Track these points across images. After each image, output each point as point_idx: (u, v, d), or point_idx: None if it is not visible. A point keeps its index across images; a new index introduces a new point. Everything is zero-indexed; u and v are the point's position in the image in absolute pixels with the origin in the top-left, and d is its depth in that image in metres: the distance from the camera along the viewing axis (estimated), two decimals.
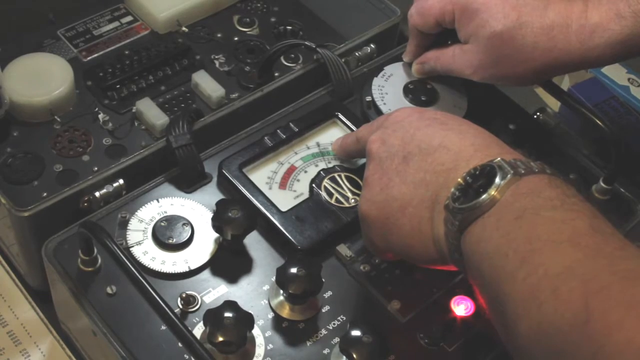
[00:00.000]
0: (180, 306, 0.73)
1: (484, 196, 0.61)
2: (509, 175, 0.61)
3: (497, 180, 0.61)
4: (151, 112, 0.90)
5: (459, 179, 0.64)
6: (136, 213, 0.79)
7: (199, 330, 0.72)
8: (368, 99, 0.90)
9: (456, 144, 0.68)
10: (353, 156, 0.84)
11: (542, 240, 0.58)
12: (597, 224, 0.58)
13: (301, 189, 0.83)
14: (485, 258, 0.60)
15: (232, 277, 0.76)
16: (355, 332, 0.69)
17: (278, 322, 0.74)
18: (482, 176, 0.63)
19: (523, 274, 0.57)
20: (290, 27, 1.05)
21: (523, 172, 0.62)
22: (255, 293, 0.76)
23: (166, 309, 0.66)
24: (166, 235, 0.77)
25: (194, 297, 0.74)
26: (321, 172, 0.84)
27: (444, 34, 0.88)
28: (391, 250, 0.72)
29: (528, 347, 0.57)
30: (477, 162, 0.65)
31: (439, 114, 0.74)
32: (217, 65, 0.99)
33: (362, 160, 0.85)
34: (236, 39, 1.03)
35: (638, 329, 0.50)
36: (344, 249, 0.79)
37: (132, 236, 0.77)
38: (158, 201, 0.80)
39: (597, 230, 0.58)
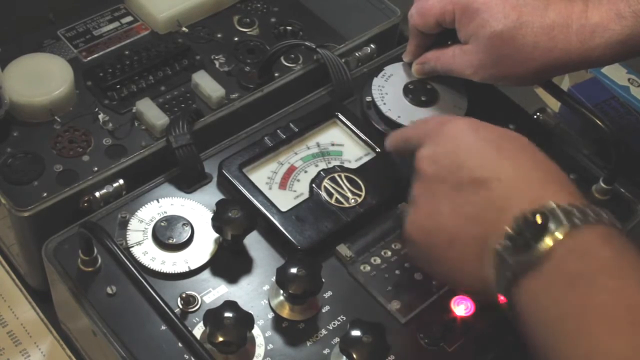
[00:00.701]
0: (180, 306, 0.73)
1: (535, 251, 0.59)
2: (563, 228, 0.59)
3: (550, 233, 0.59)
4: (151, 112, 0.90)
5: (509, 228, 0.61)
6: (136, 213, 0.79)
7: (199, 331, 0.72)
8: (368, 99, 0.90)
9: (510, 177, 0.65)
10: (400, 154, 0.80)
11: (598, 314, 0.56)
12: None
13: (301, 189, 0.83)
14: (537, 320, 0.59)
15: (232, 277, 0.76)
16: (355, 332, 0.69)
17: (278, 322, 0.74)
18: (534, 225, 0.60)
19: (578, 346, 0.56)
20: (290, 28, 1.05)
21: (578, 222, 0.59)
22: (255, 293, 0.76)
23: (166, 309, 0.66)
24: (166, 235, 0.77)
25: (194, 297, 0.74)
26: (321, 172, 0.84)
27: (444, 34, 0.88)
28: (435, 276, 0.72)
29: None
30: (530, 205, 0.61)
31: (495, 133, 0.69)
32: (217, 65, 0.99)
33: (362, 160, 0.85)
34: (236, 39, 1.03)
35: None
36: (344, 249, 0.79)
37: (132, 236, 0.77)
38: (158, 201, 0.80)
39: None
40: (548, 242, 0.59)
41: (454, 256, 0.67)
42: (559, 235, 0.59)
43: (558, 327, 0.57)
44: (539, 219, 0.60)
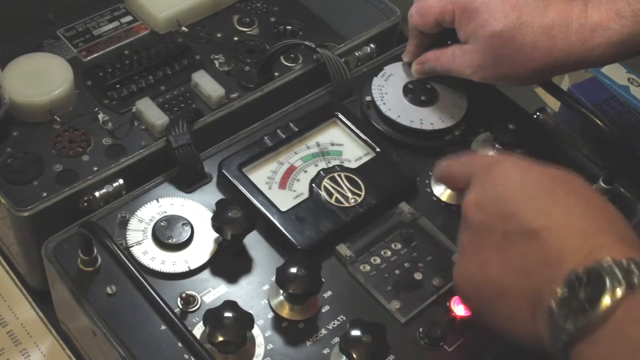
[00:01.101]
0: (180, 306, 0.73)
1: (592, 315, 0.56)
2: (619, 290, 0.56)
3: (607, 294, 0.56)
4: (151, 112, 0.90)
5: (562, 288, 0.58)
6: (136, 213, 0.79)
7: (198, 330, 0.72)
8: (368, 98, 0.90)
9: (562, 226, 0.62)
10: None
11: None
12: None
13: (301, 188, 0.83)
14: None
15: (232, 277, 0.76)
16: (355, 332, 0.69)
17: (278, 322, 0.74)
18: (589, 285, 0.57)
19: None
20: (289, 27, 1.05)
21: (637, 282, 0.56)
22: (255, 293, 0.76)
23: (166, 308, 0.66)
24: (166, 235, 0.77)
25: (193, 297, 0.74)
26: (321, 172, 0.84)
27: (443, 34, 0.88)
28: (486, 327, 0.68)
29: None
30: (584, 259, 0.59)
31: (544, 175, 0.66)
32: (216, 65, 0.99)
33: (362, 160, 0.85)
34: (236, 38, 1.03)
35: None
36: (343, 249, 0.79)
37: (132, 236, 0.77)
38: (158, 201, 0.80)
39: None
40: (606, 303, 0.56)
41: (505, 311, 0.64)
42: (617, 296, 0.56)
43: None
44: (594, 280, 0.57)
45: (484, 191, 0.67)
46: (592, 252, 0.59)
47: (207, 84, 0.94)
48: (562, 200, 0.63)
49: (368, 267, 0.78)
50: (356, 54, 0.97)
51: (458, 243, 0.70)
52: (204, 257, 0.77)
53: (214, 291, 0.75)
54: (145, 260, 0.76)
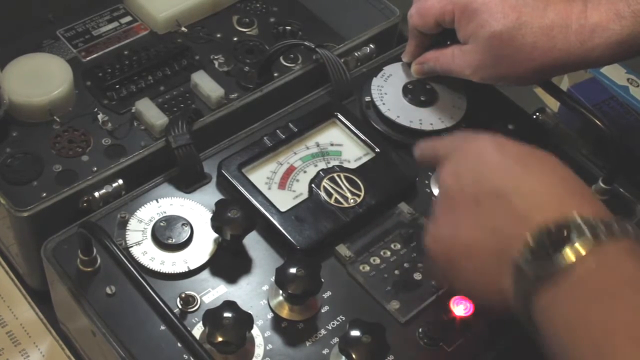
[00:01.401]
0: (180, 306, 0.73)
1: (556, 263, 0.57)
2: (587, 241, 0.57)
3: (573, 245, 0.57)
4: (150, 112, 0.90)
5: (530, 239, 0.60)
6: (135, 213, 0.79)
7: (198, 331, 0.72)
8: (367, 99, 0.90)
9: (532, 190, 0.63)
10: (425, 165, 0.80)
11: (620, 335, 0.54)
12: None
13: (300, 189, 0.83)
14: (555, 333, 0.58)
15: (231, 277, 0.76)
16: (355, 332, 0.69)
17: (277, 322, 0.74)
18: (556, 237, 0.58)
19: None
20: (289, 27, 1.05)
21: (603, 237, 0.57)
22: (255, 293, 0.76)
23: (165, 309, 0.66)
24: (165, 235, 0.77)
25: (193, 297, 0.74)
26: (320, 172, 0.84)
27: (443, 35, 0.88)
28: (455, 286, 0.71)
29: None
30: (553, 215, 0.60)
31: (520, 150, 0.68)
32: (216, 65, 0.99)
33: (362, 160, 0.85)
34: (235, 39, 1.03)
35: None
36: (343, 249, 0.79)
37: (132, 236, 0.77)
38: (157, 201, 0.80)
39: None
40: (570, 255, 0.57)
41: (472, 268, 0.66)
42: (582, 249, 0.57)
43: (579, 341, 0.56)
44: (561, 231, 0.58)
45: (461, 160, 0.69)
46: (560, 211, 0.60)
47: (206, 84, 0.94)
48: (535, 170, 0.65)
49: (367, 268, 0.78)
50: (356, 54, 0.97)
51: (432, 209, 0.71)
52: (204, 258, 0.77)
53: (213, 291, 0.75)
54: (144, 260, 0.76)
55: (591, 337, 0.55)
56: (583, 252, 0.57)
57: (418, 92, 0.90)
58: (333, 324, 0.75)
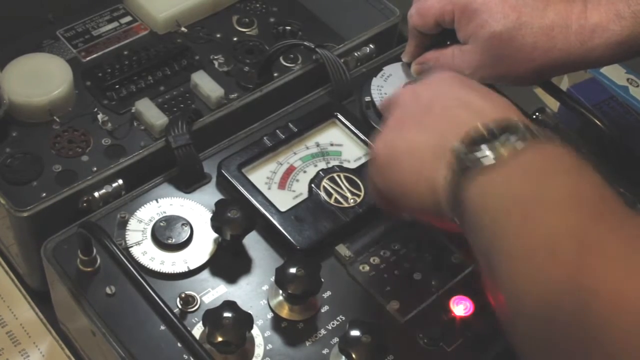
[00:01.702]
0: (180, 306, 0.73)
1: (496, 150, 0.61)
2: (526, 135, 0.61)
3: (513, 138, 0.61)
4: (150, 112, 0.90)
5: (475, 127, 0.63)
6: (135, 213, 0.79)
7: (198, 331, 0.72)
8: (367, 99, 0.90)
9: (479, 104, 0.67)
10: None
11: (548, 202, 0.58)
12: (607, 194, 0.58)
13: (300, 189, 0.83)
14: (486, 211, 0.60)
15: (231, 277, 0.77)
16: (355, 332, 0.69)
17: (277, 322, 0.74)
18: (499, 132, 0.62)
19: (523, 232, 0.57)
20: (289, 28, 1.05)
21: (541, 138, 0.61)
22: (255, 293, 0.76)
23: (165, 309, 0.66)
24: (165, 235, 0.77)
25: (193, 297, 0.74)
26: (320, 172, 0.84)
27: (443, 35, 0.88)
28: (389, 192, 0.71)
29: (517, 302, 0.57)
30: (493, 118, 0.64)
31: (477, 83, 0.73)
32: (216, 65, 0.99)
33: (361, 160, 0.85)
34: (235, 39, 1.03)
35: (628, 282, 0.51)
36: (343, 249, 0.79)
37: (131, 236, 0.77)
38: (157, 201, 0.80)
39: (604, 199, 0.58)
40: (510, 145, 0.60)
41: (410, 163, 0.68)
42: (521, 141, 0.60)
43: (505, 214, 0.59)
44: (501, 127, 0.62)
45: (423, 82, 0.75)
46: (503, 116, 0.64)
47: (206, 85, 0.94)
48: (486, 93, 0.69)
49: (367, 268, 0.78)
50: (355, 54, 0.97)
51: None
52: (204, 258, 0.77)
53: (213, 291, 0.75)
54: (144, 260, 0.76)
55: (519, 208, 0.58)
56: (520, 144, 0.60)
57: None
58: (333, 324, 0.75)
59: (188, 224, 0.78)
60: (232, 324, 0.68)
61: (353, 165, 0.85)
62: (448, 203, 0.64)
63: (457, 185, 0.62)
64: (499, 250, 0.59)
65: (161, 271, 0.76)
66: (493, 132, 0.62)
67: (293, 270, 0.72)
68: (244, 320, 0.69)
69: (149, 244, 0.77)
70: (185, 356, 0.70)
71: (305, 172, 0.84)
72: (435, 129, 0.68)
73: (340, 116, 0.89)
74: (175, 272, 0.76)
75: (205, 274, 0.77)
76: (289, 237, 0.78)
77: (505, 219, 0.59)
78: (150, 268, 0.76)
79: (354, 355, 0.68)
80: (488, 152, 0.61)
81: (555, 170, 0.60)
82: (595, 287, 0.52)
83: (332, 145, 0.87)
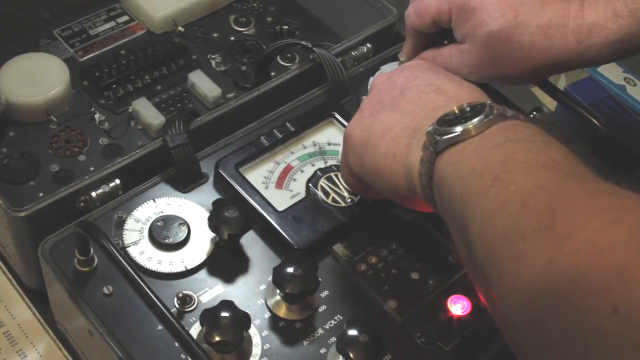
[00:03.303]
0: (177, 306, 0.73)
1: (468, 124, 0.63)
2: (496, 112, 0.64)
3: (484, 115, 0.64)
4: (147, 111, 0.90)
5: (448, 110, 0.67)
6: (132, 213, 0.79)
7: (195, 330, 0.72)
8: (364, 98, 0.90)
9: (453, 90, 0.72)
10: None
11: (517, 163, 0.59)
12: (574, 159, 0.60)
13: (298, 188, 0.83)
14: (458, 178, 0.62)
15: (228, 277, 0.76)
16: (352, 332, 0.69)
17: (275, 322, 0.74)
18: (471, 111, 0.65)
19: (494, 191, 0.58)
20: (286, 27, 1.05)
21: (510, 115, 0.64)
22: (252, 293, 0.76)
23: (163, 308, 0.66)
24: (162, 235, 0.77)
25: (190, 297, 0.74)
26: (318, 172, 0.84)
27: (440, 34, 0.88)
28: (363, 175, 0.73)
29: (489, 256, 0.57)
30: (469, 101, 0.67)
31: (448, 72, 0.77)
32: (213, 65, 0.99)
33: None
34: (232, 38, 1.03)
35: (599, 229, 0.51)
36: (340, 249, 0.79)
37: (129, 236, 0.77)
38: (154, 201, 0.80)
39: (572, 162, 0.60)
40: (480, 120, 0.63)
41: (384, 144, 0.70)
42: (492, 117, 0.63)
43: (476, 178, 0.60)
44: (477, 107, 0.65)
45: (398, 69, 0.79)
46: (476, 100, 0.67)
47: (203, 84, 0.94)
48: (457, 80, 0.74)
49: (365, 267, 0.78)
50: (353, 53, 0.97)
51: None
52: (201, 257, 0.77)
53: (210, 291, 0.75)
54: (141, 260, 0.76)
55: (490, 170, 0.60)
56: (491, 119, 0.63)
57: None
58: (330, 324, 0.75)
59: (185, 223, 0.78)
60: (230, 323, 0.68)
61: None
62: (421, 183, 0.66)
63: (430, 163, 0.65)
64: (471, 213, 0.60)
65: (158, 271, 0.76)
66: (466, 113, 0.65)
67: (290, 269, 0.72)
68: (242, 319, 0.69)
69: (146, 243, 0.77)
70: (183, 356, 0.70)
71: (302, 171, 0.84)
72: (410, 112, 0.71)
73: (337, 115, 0.89)
74: (172, 271, 0.76)
75: (203, 273, 0.77)
76: (286, 236, 0.78)
77: (476, 181, 0.60)
78: (148, 268, 0.76)
79: (351, 355, 0.68)
80: (460, 129, 0.63)
81: (526, 139, 0.62)
82: (568, 234, 0.52)
83: (329, 144, 0.87)
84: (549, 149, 0.61)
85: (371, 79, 0.91)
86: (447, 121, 0.65)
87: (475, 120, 0.63)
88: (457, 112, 0.66)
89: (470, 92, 0.72)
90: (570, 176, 0.58)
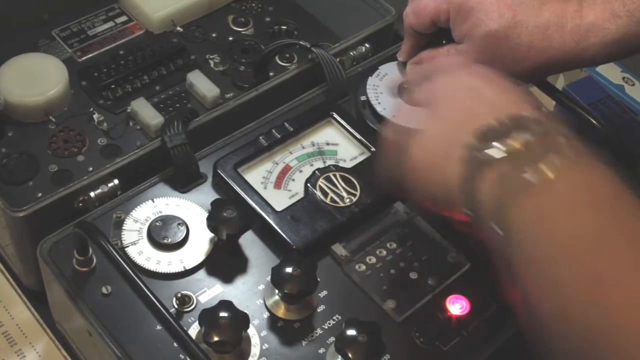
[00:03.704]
0: (176, 306, 0.73)
1: (506, 144, 0.61)
2: (534, 128, 0.61)
3: (522, 132, 0.61)
4: (146, 112, 0.90)
5: (486, 123, 0.63)
6: (131, 213, 0.79)
7: (194, 330, 0.72)
8: (363, 98, 0.90)
9: (494, 94, 0.67)
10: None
11: (561, 202, 0.58)
12: (621, 192, 0.59)
13: (296, 188, 0.83)
14: (501, 207, 0.60)
15: (227, 277, 0.76)
16: (351, 332, 0.69)
17: (273, 322, 0.74)
18: (509, 125, 0.62)
19: (540, 231, 0.57)
20: (285, 27, 1.05)
21: (551, 130, 0.61)
22: (251, 293, 0.76)
23: (161, 309, 0.66)
24: (161, 235, 0.77)
25: (189, 297, 0.74)
26: (316, 172, 0.84)
27: (438, 34, 0.88)
28: (401, 179, 0.71)
29: (536, 299, 0.57)
30: (509, 112, 0.64)
31: (485, 69, 0.72)
32: (212, 65, 0.99)
33: (357, 160, 0.85)
34: (231, 38, 1.03)
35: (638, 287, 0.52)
36: (339, 249, 0.79)
37: (127, 236, 0.77)
38: (153, 201, 0.80)
39: (617, 196, 0.58)
40: (518, 139, 0.61)
41: (423, 153, 0.68)
42: (530, 135, 0.61)
43: (568, 246, 0.57)
44: (516, 121, 0.62)
45: (435, 73, 0.73)
46: (515, 110, 0.63)
47: (202, 84, 0.94)
48: (496, 80, 0.69)
49: (363, 267, 0.78)
50: (351, 53, 0.97)
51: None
52: (200, 257, 0.77)
53: (209, 291, 0.75)
54: (140, 260, 0.76)
55: (583, 241, 0.57)
56: (529, 138, 0.60)
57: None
58: (329, 324, 0.75)
59: (184, 223, 0.78)
60: (228, 323, 0.68)
61: (349, 164, 0.85)
62: (461, 197, 0.64)
63: (470, 181, 0.62)
64: (516, 246, 0.59)
65: (157, 271, 0.76)
66: (505, 127, 0.62)
67: (289, 269, 0.72)
68: (240, 319, 0.69)
69: (145, 243, 0.77)
70: (182, 356, 0.70)
71: (301, 171, 0.84)
72: (451, 120, 0.67)
73: (336, 115, 0.89)
74: (171, 271, 0.76)
75: (201, 273, 0.77)
76: (285, 236, 0.78)
77: (569, 249, 0.57)
78: (146, 268, 0.76)
79: (350, 355, 0.68)
80: (499, 147, 0.61)
81: (565, 165, 0.60)
82: (610, 292, 0.53)
83: (327, 144, 0.87)
84: (592, 177, 0.60)
85: (369, 79, 0.91)
86: (485, 136, 0.62)
87: (510, 139, 0.61)
88: (495, 125, 0.63)
89: (512, 98, 0.67)
90: (615, 216, 0.57)
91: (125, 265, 0.68)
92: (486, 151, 0.61)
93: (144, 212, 0.79)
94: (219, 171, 0.82)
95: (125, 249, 0.76)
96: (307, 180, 0.83)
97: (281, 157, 0.85)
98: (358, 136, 0.87)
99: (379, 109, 0.89)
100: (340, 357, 0.69)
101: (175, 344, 0.68)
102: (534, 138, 0.61)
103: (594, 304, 0.54)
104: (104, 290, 0.74)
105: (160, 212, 0.79)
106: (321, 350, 0.73)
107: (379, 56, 0.97)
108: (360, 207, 0.81)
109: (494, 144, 0.61)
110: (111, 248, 0.69)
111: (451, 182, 0.64)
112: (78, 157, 0.88)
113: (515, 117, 0.63)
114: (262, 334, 0.73)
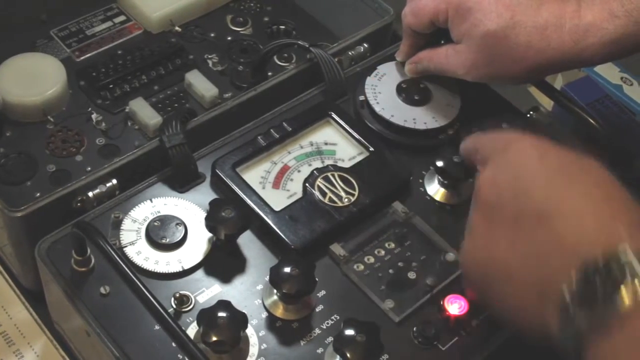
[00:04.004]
0: (174, 306, 0.73)
1: (609, 310, 0.54)
2: (637, 281, 0.53)
3: (626, 288, 0.53)
4: (144, 111, 0.90)
5: (575, 277, 0.55)
6: (129, 213, 0.79)
7: (192, 330, 0.72)
8: (361, 98, 0.90)
9: (575, 211, 0.59)
10: (468, 160, 0.74)
11: None
12: None
13: (294, 188, 0.83)
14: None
15: (225, 277, 0.76)
16: (349, 332, 0.69)
17: (272, 322, 0.74)
18: (606, 276, 0.54)
19: None
20: (283, 27, 1.05)
21: None
22: (249, 293, 0.76)
23: (160, 308, 0.66)
24: (159, 235, 0.77)
25: (187, 297, 0.74)
26: (314, 172, 0.84)
27: (437, 34, 0.88)
28: (494, 313, 0.67)
29: None
30: (600, 250, 0.55)
31: (562, 158, 0.64)
32: (210, 64, 0.99)
33: (356, 160, 0.85)
34: (229, 38, 1.03)
35: None
36: (337, 248, 0.79)
37: (126, 236, 0.77)
38: (151, 201, 0.80)
39: None
40: (623, 296, 0.53)
41: (511, 293, 0.62)
42: (637, 288, 0.53)
43: None
44: (611, 270, 0.54)
45: (500, 169, 0.65)
46: (608, 241, 0.56)
47: (200, 84, 0.94)
48: (578, 184, 0.61)
49: (362, 267, 0.78)
50: (349, 53, 0.97)
51: (467, 223, 0.68)
52: (198, 257, 0.77)
53: (207, 291, 0.75)
54: (138, 260, 0.76)
55: None
56: (637, 293, 0.53)
57: (412, 91, 0.90)
58: (327, 323, 0.75)
59: (182, 223, 0.78)
60: (227, 323, 0.68)
61: (347, 164, 0.85)
62: (563, 349, 0.57)
63: (572, 344, 0.56)
64: None
65: (155, 271, 0.76)
66: (602, 279, 0.54)
67: (287, 269, 0.72)
68: (239, 319, 0.69)
69: (143, 243, 0.77)
70: (180, 356, 0.70)
71: (299, 171, 0.84)
72: (530, 252, 0.60)
73: (334, 115, 0.89)
74: (169, 271, 0.76)
75: (200, 273, 0.76)
76: (283, 236, 0.78)
77: None
78: (145, 268, 0.76)
79: (348, 355, 0.68)
80: (601, 316, 0.54)
81: None
82: None
83: (326, 144, 0.87)
84: None
85: (368, 78, 0.91)
86: (580, 292, 0.55)
87: (615, 301, 0.53)
88: (588, 275, 0.55)
89: (599, 207, 0.58)
90: None
91: (124, 265, 0.68)
92: (582, 318, 0.55)
93: (142, 212, 0.79)
94: (218, 171, 0.82)
95: (124, 249, 0.76)
96: (306, 180, 0.83)
97: (279, 157, 0.85)
98: (356, 136, 0.87)
99: (377, 108, 0.89)
100: (338, 357, 0.69)
101: (173, 344, 0.68)
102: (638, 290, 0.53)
103: None
104: (102, 290, 0.74)
105: (159, 212, 0.79)
106: (319, 350, 0.73)
107: (377, 56, 0.97)
108: (358, 207, 0.81)
109: (592, 317, 0.54)
110: (109, 248, 0.69)
111: (548, 330, 0.58)
112: (76, 157, 0.88)
113: (614, 261, 0.55)
114: (260, 334, 0.73)
